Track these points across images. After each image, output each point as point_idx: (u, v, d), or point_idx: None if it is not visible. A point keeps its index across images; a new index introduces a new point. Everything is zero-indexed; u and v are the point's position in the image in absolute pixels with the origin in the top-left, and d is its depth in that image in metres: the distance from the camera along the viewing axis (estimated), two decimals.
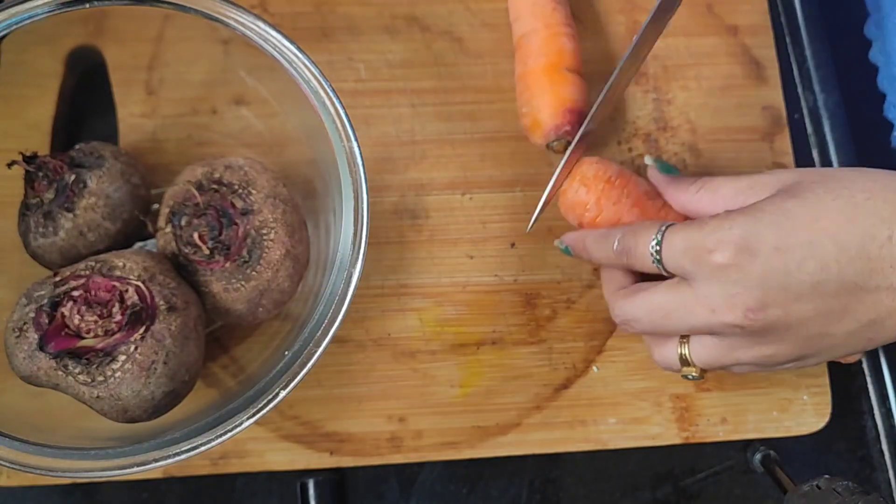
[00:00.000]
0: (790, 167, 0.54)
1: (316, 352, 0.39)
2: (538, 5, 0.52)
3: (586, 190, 0.47)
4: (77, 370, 0.38)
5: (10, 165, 0.43)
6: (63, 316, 0.39)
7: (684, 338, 0.43)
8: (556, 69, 0.51)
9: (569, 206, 0.49)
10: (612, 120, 0.54)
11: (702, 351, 0.42)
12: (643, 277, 0.46)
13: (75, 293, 0.39)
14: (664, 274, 0.43)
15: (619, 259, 0.45)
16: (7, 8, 0.40)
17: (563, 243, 0.49)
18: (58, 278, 0.40)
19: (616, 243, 0.44)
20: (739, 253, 0.38)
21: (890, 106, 0.53)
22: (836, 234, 0.38)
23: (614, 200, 0.47)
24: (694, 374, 0.43)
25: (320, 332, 0.39)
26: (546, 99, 0.50)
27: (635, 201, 0.47)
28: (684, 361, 0.43)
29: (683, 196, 0.45)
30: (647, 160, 0.49)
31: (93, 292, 0.39)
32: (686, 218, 0.46)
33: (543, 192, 0.49)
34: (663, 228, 0.42)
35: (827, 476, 0.40)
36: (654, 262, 0.42)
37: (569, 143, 0.49)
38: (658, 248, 0.42)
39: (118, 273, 0.40)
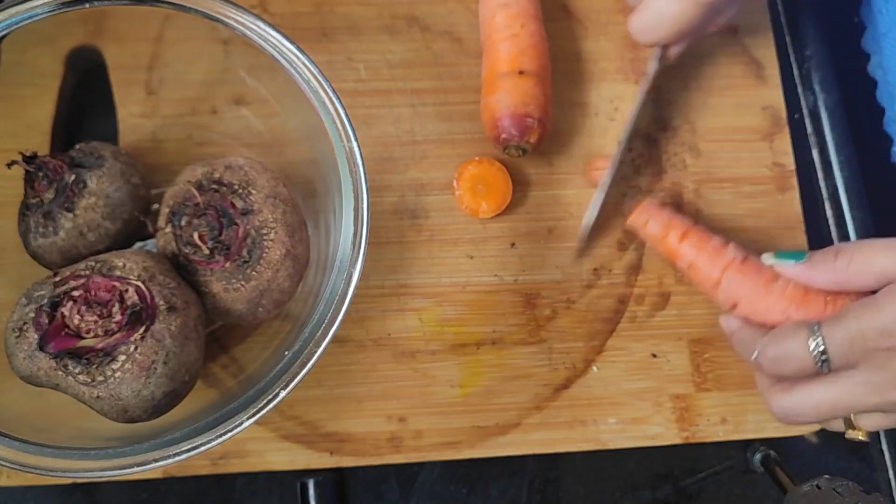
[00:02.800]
0: (790, 167, 0.54)
1: (316, 352, 0.39)
2: (483, 16, 0.52)
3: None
4: (77, 370, 0.38)
5: (10, 165, 0.43)
6: (63, 316, 0.39)
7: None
8: (491, 80, 0.51)
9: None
10: (611, 120, 0.54)
11: (870, 421, 0.42)
12: None
13: (75, 293, 0.39)
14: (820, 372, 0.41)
15: (762, 369, 0.43)
16: (7, 8, 0.40)
17: (721, 323, 0.47)
18: (58, 278, 0.40)
19: (756, 353, 0.43)
20: None
21: (889, 121, 0.53)
22: None
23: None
24: (861, 437, 0.43)
25: (320, 332, 0.39)
26: (484, 112, 0.51)
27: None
28: (849, 424, 0.43)
29: (832, 276, 0.43)
30: (767, 260, 0.46)
31: (93, 292, 0.39)
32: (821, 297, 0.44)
33: (543, 192, 0.50)
34: (817, 328, 0.40)
35: (827, 476, 0.40)
36: (818, 362, 0.40)
37: (520, 149, 0.50)
38: (822, 346, 0.40)
39: (118, 273, 0.40)
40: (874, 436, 0.51)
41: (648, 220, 0.49)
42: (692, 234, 0.48)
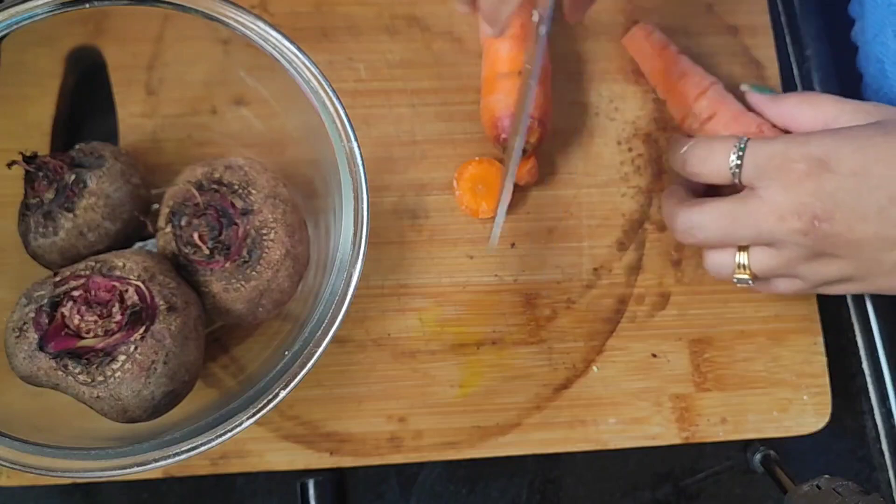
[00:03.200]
0: None
1: (316, 352, 0.39)
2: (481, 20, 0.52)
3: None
4: (77, 370, 0.38)
5: (10, 165, 0.43)
6: (63, 316, 0.39)
7: (742, 247, 0.45)
8: (490, 80, 0.51)
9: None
10: (611, 120, 0.54)
11: (761, 257, 0.45)
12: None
13: (75, 293, 0.39)
14: (734, 184, 0.45)
15: (685, 166, 0.47)
16: (7, 8, 0.40)
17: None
18: (58, 278, 0.40)
19: (686, 148, 0.47)
20: (819, 167, 0.41)
21: (866, 87, 0.54)
22: None
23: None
24: (746, 277, 0.45)
25: (320, 332, 0.39)
26: (484, 112, 0.51)
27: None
28: (739, 266, 0.45)
29: (784, 108, 0.48)
30: (744, 87, 0.51)
31: (93, 292, 0.39)
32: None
33: (543, 192, 0.49)
34: (745, 140, 0.44)
35: (827, 476, 0.40)
36: (732, 170, 0.44)
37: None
38: (741, 154, 0.44)
39: (118, 273, 0.40)
40: (874, 436, 0.51)
41: (649, 35, 0.53)
42: (684, 56, 0.53)
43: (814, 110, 0.47)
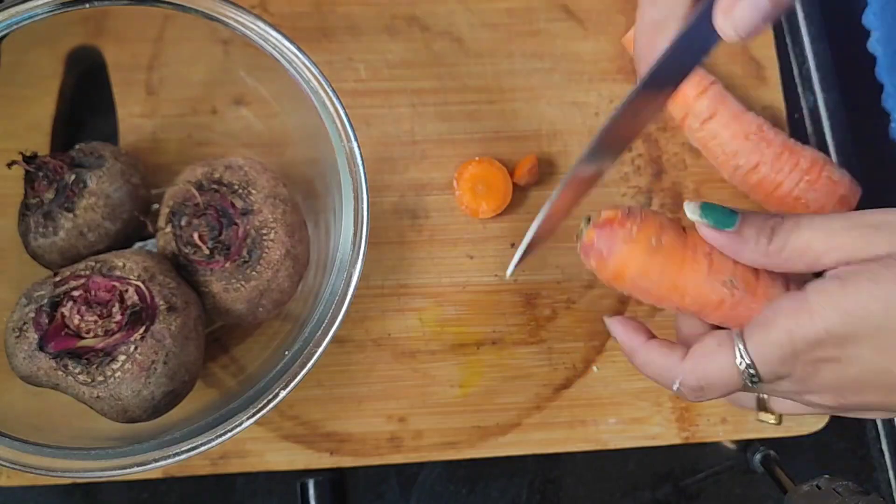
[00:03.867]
0: None
1: (316, 352, 0.39)
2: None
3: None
4: (77, 370, 0.38)
5: (10, 165, 0.43)
6: (63, 316, 0.39)
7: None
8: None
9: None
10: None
11: (785, 406, 0.40)
12: None
13: (75, 293, 0.39)
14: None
15: (687, 398, 0.38)
16: (7, 8, 0.40)
17: (610, 327, 0.41)
18: (58, 278, 0.40)
19: (677, 385, 0.37)
20: (838, 349, 0.34)
21: (888, 96, 0.53)
22: None
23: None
24: (772, 421, 0.41)
25: (320, 332, 0.39)
26: None
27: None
28: (761, 406, 0.40)
29: (761, 259, 0.36)
30: (691, 214, 0.36)
31: (93, 292, 0.39)
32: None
33: (543, 192, 0.49)
34: (740, 342, 0.35)
35: (827, 476, 0.40)
36: (748, 382, 0.35)
37: None
38: (752, 368, 0.35)
39: (118, 273, 0.40)
40: (874, 435, 0.51)
41: None
42: None
43: (801, 253, 0.35)
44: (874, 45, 0.54)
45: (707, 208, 0.36)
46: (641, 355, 0.38)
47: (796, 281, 0.37)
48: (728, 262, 0.37)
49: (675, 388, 0.37)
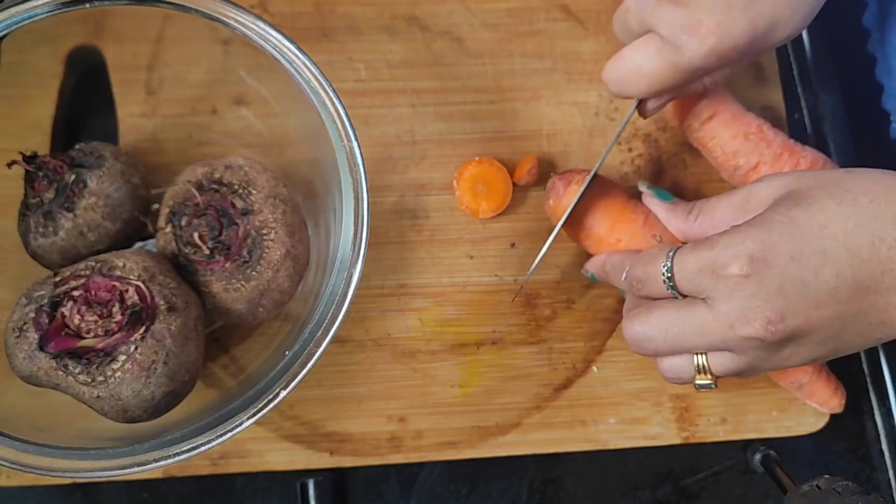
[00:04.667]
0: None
1: (316, 352, 0.39)
2: None
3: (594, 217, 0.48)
4: (77, 370, 0.38)
5: (10, 165, 0.43)
6: (63, 316, 0.39)
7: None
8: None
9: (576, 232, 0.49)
10: (611, 120, 0.54)
11: (721, 360, 0.41)
12: None
13: (75, 293, 0.39)
14: (678, 297, 0.41)
15: (631, 290, 0.44)
16: (7, 8, 0.40)
17: (587, 271, 0.49)
18: (58, 278, 0.40)
19: (625, 274, 0.44)
20: (755, 264, 0.37)
21: (888, 97, 0.53)
22: (846, 240, 0.37)
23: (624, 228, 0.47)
24: (708, 381, 0.41)
25: (320, 332, 0.39)
26: None
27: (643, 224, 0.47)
28: (700, 370, 0.41)
29: (683, 225, 0.46)
30: (641, 187, 0.49)
31: (93, 292, 0.39)
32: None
33: (543, 192, 0.49)
34: (671, 253, 0.41)
35: (827, 476, 0.40)
36: (667, 287, 0.41)
37: None
38: (670, 273, 0.40)
39: (118, 273, 0.40)
40: (874, 436, 0.51)
41: None
42: None
43: (710, 219, 0.44)
44: (873, 45, 0.54)
45: (654, 187, 0.49)
46: (606, 261, 0.47)
47: None
48: (659, 223, 0.47)
49: (622, 277, 0.44)
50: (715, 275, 0.38)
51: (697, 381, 0.42)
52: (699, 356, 0.41)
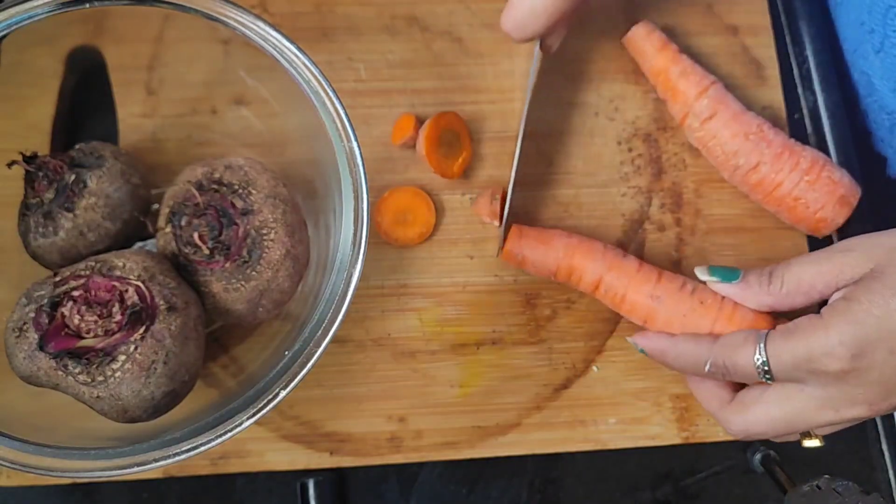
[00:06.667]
0: None
1: (316, 352, 0.39)
2: None
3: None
4: (77, 370, 0.38)
5: (10, 165, 0.43)
6: (63, 316, 0.39)
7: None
8: None
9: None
10: (611, 120, 0.54)
11: (826, 430, 0.44)
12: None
13: (75, 293, 0.39)
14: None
15: (714, 376, 0.44)
16: (7, 8, 0.40)
17: (637, 345, 0.47)
18: (58, 278, 0.40)
19: (709, 365, 0.44)
20: (854, 360, 0.39)
21: (878, 140, 0.53)
22: None
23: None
24: (816, 443, 0.44)
25: (320, 332, 0.39)
26: None
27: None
28: (804, 434, 0.44)
29: (766, 298, 0.44)
30: (701, 275, 0.46)
31: (93, 292, 0.39)
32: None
33: (543, 192, 0.49)
34: (762, 342, 0.41)
35: (827, 476, 0.40)
36: (762, 376, 0.42)
37: None
38: (766, 365, 0.41)
39: (118, 273, 0.40)
40: (874, 436, 0.51)
41: (649, 34, 0.52)
42: (685, 56, 0.52)
43: (796, 285, 0.43)
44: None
45: (714, 269, 0.46)
46: (672, 349, 0.45)
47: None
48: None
49: (706, 369, 0.43)
50: (814, 370, 0.40)
51: (806, 443, 0.44)
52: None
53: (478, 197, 0.51)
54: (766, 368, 0.41)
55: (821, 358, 0.39)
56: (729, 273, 0.45)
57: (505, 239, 0.49)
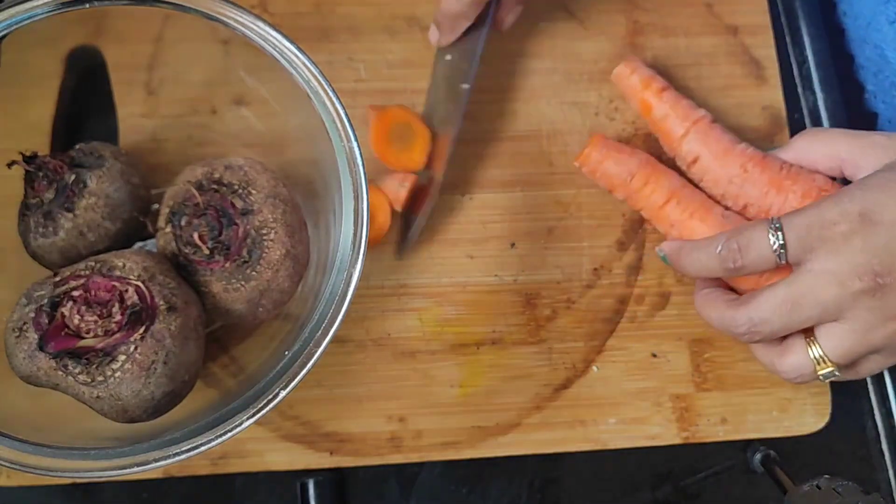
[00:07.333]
0: None
1: (316, 352, 0.39)
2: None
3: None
4: (77, 370, 0.38)
5: (10, 165, 0.43)
6: (63, 316, 0.39)
7: (810, 338, 0.43)
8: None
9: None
10: (611, 120, 0.54)
11: (835, 342, 0.42)
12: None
13: (75, 293, 0.39)
14: (780, 265, 0.43)
15: (724, 263, 0.45)
16: (7, 8, 0.40)
17: (661, 251, 0.49)
18: (58, 278, 0.40)
19: (721, 247, 0.44)
20: (862, 222, 0.40)
21: (858, 68, 0.54)
22: None
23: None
24: (831, 369, 0.43)
25: (320, 332, 0.39)
26: None
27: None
28: (818, 361, 0.43)
29: (796, 149, 0.47)
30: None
31: (93, 292, 0.39)
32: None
33: (543, 192, 0.49)
34: (776, 219, 0.43)
35: (827, 476, 0.40)
36: (776, 252, 0.42)
37: None
38: (780, 232, 0.42)
39: (118, 273, 0.40)
40: (874, 436, 0.51)
41: (633, 73, 0.52)
42: (670, 92, 0.51)
43: (826, 147, 0.46)
44: (840, 16, 0.54)
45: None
46: (688, 247, 0.47)
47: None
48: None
49: (717, 250, 0.45)
50: (823, 233, 0.41)
51: (820, 373, 0.43)
52: (812, 347, 0.43)
53: (388, 178, 0.51)
54: (781, 242, 0.42)
55: (829, 217, 0.41)
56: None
57: (406, 230, 0.50)
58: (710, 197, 0.50)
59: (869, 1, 0.52)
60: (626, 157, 0.50)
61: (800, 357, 0.43)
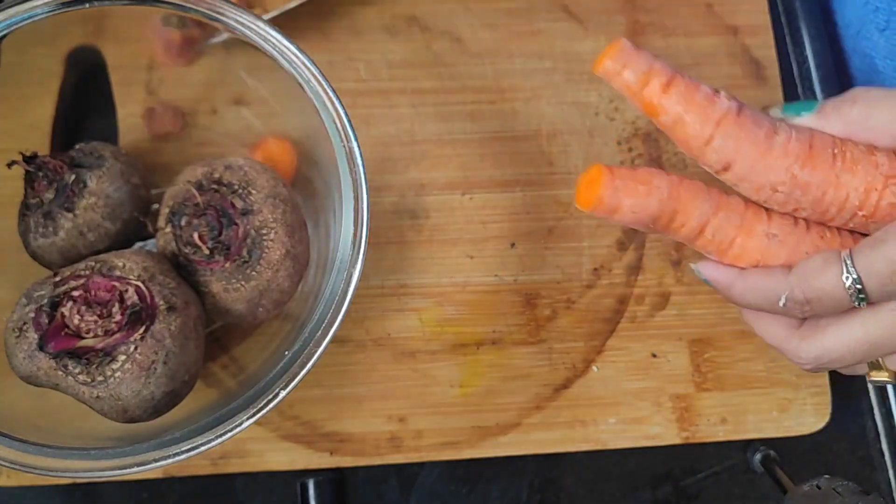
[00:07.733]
0: None
1: (316, 352, 0.39)
2: None
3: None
4: (77, 370, 0.38)
5: (10, 165, 0.43)
6: (63, 316, 0.39)
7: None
8: None
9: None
10: (611, 120, 0.54)
11: None
12: None
13: (75, 293, 0.39)
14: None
15: (789, 313, 0.38)
16: (7, 8, 0.40)
17: (701, 274, 0.41)
18: (58, 278, 0.40)
19: (784, 300, 0.37)
20: None
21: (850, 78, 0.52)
22: None
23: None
24: (886, 378, 0.39)
25: (320, 332, 0.39)
26: None
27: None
28: (873, 366, 0.39)
29: (851, 120, 0.38)
30: (776, 114, 0.40)
31: (93, 292, 0.39)
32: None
33: (543, 192, 0.49)
34: (848, 259, 0.36)
35: (827, 476, 0.40)
36: (854, 299, 0.36)
37: None
38: (858, 283, 0.35)
39: (118, 273, 0.40)
40: (874, 436, 0.51)
41: (624, 67, 0.39)
42: (678, 82, 0.39)
43: (890, 112, 0.37)
44: (834, 26, 0.53)
45: (788, 106, 0.40)
46: (740, 284, 0.39)
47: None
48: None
49: (781, 304, 0.37)
50: None
51: (873, 378, 0.39)
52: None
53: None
54: (858, 287, 0.35)
55: None
56: (804, 106, 0.39)
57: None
58: (748, 201, 0.41)
59: (858, 9, 0.51)
60: (643, 198, 0.40)
61: (858, 367, 0.39)
